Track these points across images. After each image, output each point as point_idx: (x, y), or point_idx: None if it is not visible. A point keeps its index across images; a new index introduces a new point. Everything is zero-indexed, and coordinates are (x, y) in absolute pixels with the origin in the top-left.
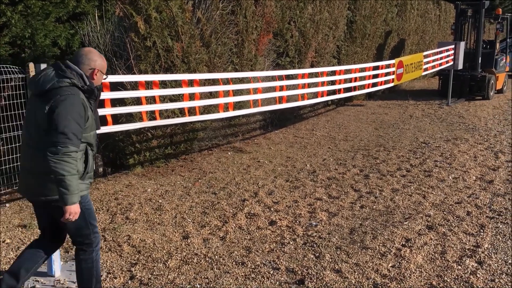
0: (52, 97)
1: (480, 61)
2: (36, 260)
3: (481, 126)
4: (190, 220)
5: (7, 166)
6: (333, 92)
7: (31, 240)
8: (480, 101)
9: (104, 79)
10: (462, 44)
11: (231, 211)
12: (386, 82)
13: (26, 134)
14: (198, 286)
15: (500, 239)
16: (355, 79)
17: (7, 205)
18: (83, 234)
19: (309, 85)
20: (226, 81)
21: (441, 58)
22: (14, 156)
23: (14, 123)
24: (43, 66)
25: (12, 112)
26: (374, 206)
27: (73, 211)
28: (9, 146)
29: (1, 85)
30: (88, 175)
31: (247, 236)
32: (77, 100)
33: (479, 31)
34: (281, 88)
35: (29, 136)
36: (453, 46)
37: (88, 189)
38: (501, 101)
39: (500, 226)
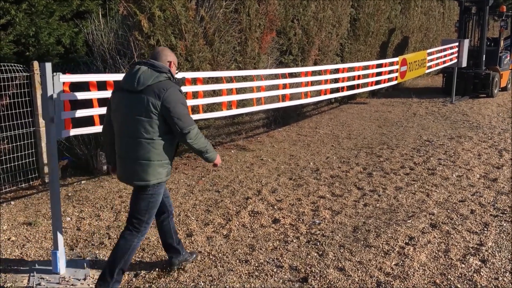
0: (158, 92)
1: (484, 59)
2: (166, 232)
3: (485, 124)
4: (193, 218)
5: (12, 164)
6: (336, 90)
7: (36, 238)
8: (484, 99)
9: (176, 73)
10: (466, 41)
11: (235, 209)
12: (389, 80)
13: (122, 126)
14: (202, 284)
15: (504, 237)
16: (359, 77)
17: (12, 202)
18: (139, 218)
19: (312, 83)
20: (229, 79)
21: (445, 56)
22: (19, 154)
23: (19, 121)
24: (47, 64)
25: (17, 111)
26: (378, 204)
27: (218, 161)
28: (14, 144)
29: (6, 83)
30: (172, 161)
31: (250, 234)
32: (178, 90)
33: (483, 29)
34: (284, 86)
35: (126, 127)
36: (457, 44)
37: (169, 176)
38: (505, 99)
39: (504, 224)
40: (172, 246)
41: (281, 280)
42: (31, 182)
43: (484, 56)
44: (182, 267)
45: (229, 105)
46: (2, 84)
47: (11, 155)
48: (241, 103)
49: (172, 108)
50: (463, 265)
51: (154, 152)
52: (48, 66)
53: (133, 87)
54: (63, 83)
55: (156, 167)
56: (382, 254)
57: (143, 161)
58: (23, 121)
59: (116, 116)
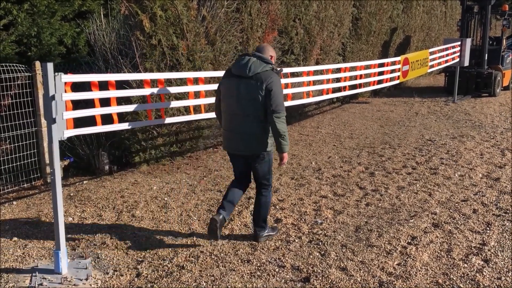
0: (264, 79)
1: (486, 58)
2: (238, 196)
3: (488, 123)
4: (195, 218)
5: (14, 164)
6: (338, 89)
7: (39, 238)
8: (487, 98)
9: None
10: (468, 40)
11: (237, 208)
12: (391, 79)
13: (236, 106)
14: (204, 284)
15: (507, 237)
16: (360, 77)
17: (14, 203)
18: (267, 177)
19: (314, 83)
20: None
21: (447, 55)
22: (21, 154)
23: (21, 121)
24: (49, 64)
25: (19, 111)
26: (380, 204)
27: (286, 158)
28: (16, 144)
29: (8, 83)
30: None
31: (252, 234)
32: (278, 79)
33: (485, 28)
34: (286, 86)
35: (240, 107)
36: (459, 43)
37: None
38: (507, 98)
39: (507, 224)
40: (257, 221)
41: (283, 280)
42: (33, 182)
43: (486, 55)
44: (268, 240)
45: None
46: (4, 84)
47: (13, 155)
48: None
49: (273, 92)
50: (465, 265)
51: (262, 127)
52: (50, 66)
53: (245, 73)
54: (65, 83)
55: (265, 138)
56: (384, 254)
57: (256, 135)
58: (25, 121)
59: (227, 98)
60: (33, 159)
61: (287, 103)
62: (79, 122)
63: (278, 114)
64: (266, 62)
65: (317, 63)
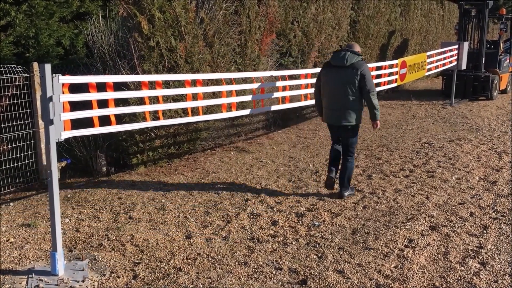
0: (358, 67)
1: (483, 61)
2: (339, 154)
3: (485, 126)
4: (193, 220)
5: (11, 166)
6: None
7: (35, 240)
8: (484, 101)
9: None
10: (466, 44)
11: (234, 211)
12: (389, 82)
13: (337, 89)
14: (201, 286)
15: (504, 240)
16: None
17: (11, 204)
18: (353, 146)
19: (312, 85)
20: (229, 81)
21: (444, 58)
22: (18, 155)
23: (18, 122)
24: (47, 66)
25: (16, 112)
26: (377, 207)
27: (379, 123)
28: (13, 145)
29: (5, 84)
30: None
31: (249, 236)
32: (368, 67)
33: (482, 31)
34: (284, 88)
35: (340, 90)
36: (456, 46)
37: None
38: (504, 101)
39: (504, 227)
40: (342, 182)
41: (280, 283)
42: (30, 184)
43: (483, 58)
44: (347, 198)
45: (229, 107)
46: (2, 85)
47: (11, 157)
48: (241, 105)
49: (366, 77)
50: (462, 268)
51: (356, 104)
52: (48, 67)
53: (343, 64)
54: (63, 84)
55: (358, 113)
56: (382, 257)
57: (351, 110)
58: (22, 122)
59: (329, 83)
60: (30, 160)
61: (285, 106)
62: (76, 124)
63: (372, 92)
64: (358, 55)
65: (315, 66)
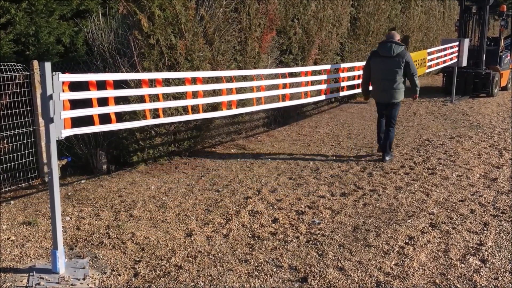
0: (403, 56)
1: (484, 58)
2: (384, 128)
3: (485, 123)
4: (193, 218)
5: (12, 164)
6: (337, 89)
7: (36, 238)
8: (484, 98)
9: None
10: (466, 41)
11: (234, 208)
12: None
13: (385, 74)
14: (202, 283)
15: (504, 237)
16: (359, 77)
17: (12, 202)
18: (395, 118)
19: (313, 83)
20: (229, 79)
21: (445, 55)
22: (19, 153)
23: (19, 120)
24: (46, 64)
25: (17, 110)
26: (377, 204)
27: (417, 96)
28: (14, 143)
29: (6, 82)
30: None
31: (250, 234)
32: (410, 54)
33: (483, 28)
34: (284, 86)
35: (388, 74)
36: (457, 43)
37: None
38: (505, 98)
39: (504, 224)
40: (384, 147)
41: (280, 280)
42: (31, 182)
43: (484, 55)
44: (387, 163)
45: (229, 105)
46: (2, 83)
47: (11, 155)
48: (241, 103)
49: (410, 63)
50: (462, 265)
51: (401, 85)
52: (48, 65)
53: (390, 54)
54: (63, 82)
55: (402, 92)
56: (382, 254)
57: (397, 90)
58: (23, 120)
59: (379, 70)
60: (31, 158)
61: (285, 103)
62: (77, 122)
63: (415, 74)
64: (401, 45)
65: (315, 63)
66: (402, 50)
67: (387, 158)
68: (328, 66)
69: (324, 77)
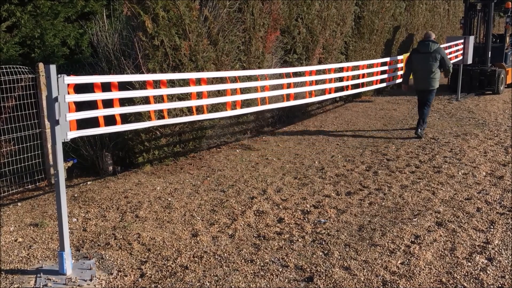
0: (439, 52)
1: (489, 56)
2: (423, 111)
3: (491, 121)
4: (199, 218)
5: (18, 166)
6: (341, 88)
7: (42, 239)
8: (490, 96)
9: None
10: (472, 38)
11: (240, 208)
12: (394, 78)
13: (425, 67)
14: (208, 284)
15: (511, 235)
16: (363, 76)
17: (19, 204)
18: (430, 100)
19: (317, 82)
20: (234, 79)
21: (450, 53)
22: (25, 155)
23: (25, 123)
24: (52, 66)
25: (23, 112)
26: (383, 203)
27: (449, 78)
28: (20, 145)
29: (12, 85)
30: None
31: (255, 234)
32: (444, 50)
33: (488, 25)
34: (289, 86)
35: (427, 67)
36: (462, 41)
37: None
38: (511, 95)
39: (511, 222)
40: (419, 123)
41: (286, 280)
42: (37, 183)
43: (489, 52)
44: (419, 136)
45: (234, 105)
46: (8, 86)
47: (18, 157)
48: (246, 103)
49: (445, 58)
50: (469, 264)
51: (437, 74)
52: (53, 68)
53: (428, 50)
54: (68, 84)
55: (437, 81)
56: (388, 253)
57: (433, 79)
58: (29, 122)
59: (419, 64)
60: (37, 160)
61: (290, 103)
62: (82, 123)
63: (449, 66)
64: (436, 43)
65: (319, 62)
66: (438, 47)
67: (419, 131)
68: (332, 65)
69: (328, 76)
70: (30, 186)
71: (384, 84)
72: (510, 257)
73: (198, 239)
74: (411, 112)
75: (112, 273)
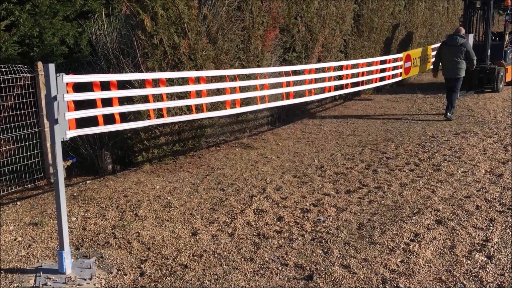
0: (465, 45)
1: (489, 53)
2: (451, 97)
3: (491, 119)
4: (198, 217)
5: (17, 165)
6: (341, 87)
7: (42, 238)
8: (490, 94)
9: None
10: (471, 36)
11: (240, 207)
12: (394, 76)
13: (452, 57)
14: (207, 282)
15: (510, 233)
16: (363, 74)
17: (18, 203)
18: (458, 86)
19: (316, 80)
20: (233, 78)
21: None
22: (24, 154)
23: (24, 122)
24: (50, 65)
25: (22, 111)
26: (383, 201)
27: (473, 68)
28: (19, 144)
29: (11, 84)
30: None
31: (255, 232)
32: (470, 44)
33: (488, 23)
34: (288, 84)
35: (455, 58)
36: None
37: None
38: (510, 93)
39: (510, 220)
40: (448, 107)
41: (286, 278)
42: (37, 183)
43: (489, 50)
44: (449, 118)
45: (233, 104)
46: (7, 85)
47: (17, 156)
48: (245, 101)
49: (470, 51)
50: (468, 262)
51: (463, 65)
52: (52, 67)
53: (455, 44)
54: (67, 83)
55: (463, 70)
56: (387, 251)
57: (460, 69)
58: (28, 121)
59: (447, 55)
60: (36, 159)
61: (289, 101)
62: (81, 122)
63: (474, 58)
64: (463, 37)
65: (319, 61)
66: (464, 41)
67: (448, 114)
68: (332, 64)
69: (328, 74)
70: (29, 185)
71: (383, 82)
72: (510, 255)
73: (197, 237)
74: (410, 110)
75: (111, 272)
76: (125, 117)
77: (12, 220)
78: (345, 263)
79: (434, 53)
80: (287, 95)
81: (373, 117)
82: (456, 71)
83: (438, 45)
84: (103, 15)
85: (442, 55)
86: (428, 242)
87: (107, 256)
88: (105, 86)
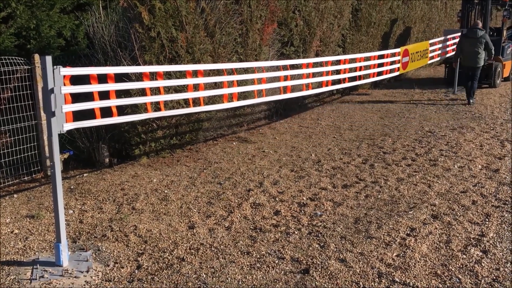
0: (483, 37)
1: None
2: (470, 86)
3: (488, 114)
4: (195, 210)
5: (14, 157)
6: (338, 81)
7: (39, 231)
8: (487, 89)
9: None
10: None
11: (236, 201)
12: (391, 71)
13: (472, 48)
14: (204, 276)
15: (506, 228)
16: (360, 68)
17: (15, 195)
18: (477, 75)
19: (314, 75)
20: (231, 71)
21: (447, 46)
22: (21, 147)
23: (21, 114)
24: (47, 58)
25: (18, 104)
26: (379, 196)
27: (490, 61)
28: (16, 137)
29: (7, 76)
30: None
31: (252, 226)
32: (489, 36)
33: (485, 19)
34: (286, 78)
35: (475, 49)
36: (459, 34)
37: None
38: (507, 89)
39: (506, 215)
40: (470, 94)
41: (282, 272)
42: (33, 175)
43: None
44: (471, 104)
45: (231, 97)
46: (3, 77)
47: (14, 148)
48: (243, 95)
49: (489, 43)
50: (464, 256)
51: (482, 55)
52: (49, 59)
53: (475, 36)
54: (64, 76)
55: (482, 59)
56: (384, 245)
57: (480, 58)
58: (25, 114)
59: (467, 46)
60: (33, 152)
61: (287, 96)
62: (79, 115)
63: (492, 49)
64: (482, 30)
65: (317, 55)
66: (483, 34)
67: (471, 101)
68: (329, 58)
69: (325, 68)
70: (26, 178)
71: (381, 77)
72: (505, 249)
73: (194, 231)
74: (408, 105)
75: (108, 264)
76: (122, 110)
77: (9, 212)
78: (341, 257)
79: (432, 48)
80: (285, 89)
81: (370, 112)
82: (477, 60)
83: (436, 40)
84: (101, 7)
85: (463, 47)
86: (424, 237)
87: (104, 249)
88: (102, 79)
